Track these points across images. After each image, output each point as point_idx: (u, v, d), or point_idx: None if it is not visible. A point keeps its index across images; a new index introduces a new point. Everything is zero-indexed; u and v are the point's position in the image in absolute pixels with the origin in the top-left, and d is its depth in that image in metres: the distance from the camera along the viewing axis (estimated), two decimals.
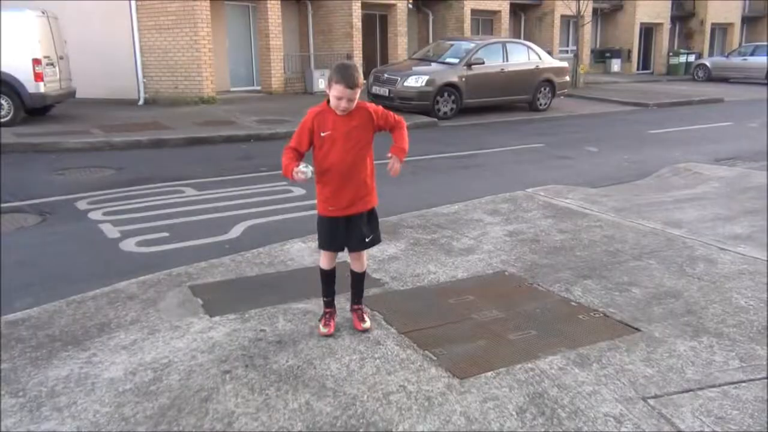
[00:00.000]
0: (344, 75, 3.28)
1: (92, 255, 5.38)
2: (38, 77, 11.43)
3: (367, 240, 3.59)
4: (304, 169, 3.29)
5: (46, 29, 11.90)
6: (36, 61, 11.39)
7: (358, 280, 3.74)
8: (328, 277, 3.70)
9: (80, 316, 3.88)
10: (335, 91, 3.31)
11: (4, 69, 11.24)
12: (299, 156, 3.45)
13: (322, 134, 3.41)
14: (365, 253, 3.71)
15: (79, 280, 4.73)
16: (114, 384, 3.11)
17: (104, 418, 2.84)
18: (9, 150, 9.85)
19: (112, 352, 3.42)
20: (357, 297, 3.78)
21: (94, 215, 6.46)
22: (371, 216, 3.61)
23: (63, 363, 3.31)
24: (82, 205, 6.85)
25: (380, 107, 3.54)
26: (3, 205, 6.82)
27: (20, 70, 11.27)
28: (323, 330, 3.65)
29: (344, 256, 3.75)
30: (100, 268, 5.05)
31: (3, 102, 11.39)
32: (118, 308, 3.98)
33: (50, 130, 11.22)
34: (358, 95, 3.37)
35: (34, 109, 12.02)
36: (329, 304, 3.73)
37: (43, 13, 11.88)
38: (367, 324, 3.70)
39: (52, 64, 11.96)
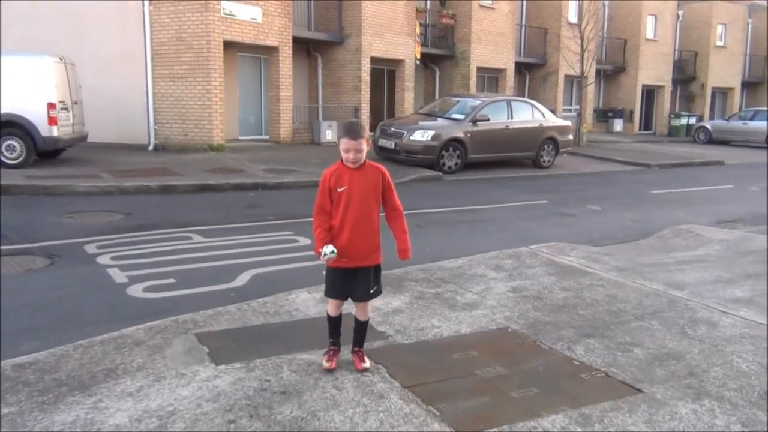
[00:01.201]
0: (348, 128, 3.63)
1: (100, 299, 5.43)
2: (52, 121, 11.65)
3: (371, 292, 3.82)
4: (330, 255, 3.59)
5: (63, 75, 12.20)
6: (51, 106, 11.63)
7: (361, 328, 3.94)
8: (334, 322, 3.92)
9: (87, 360, 3.92)
10: (342, 144, 3.62)
11: (18, 112, 11.48)
12: (328, 216, 3.71)
13: (338, 190, 3.67)
14: (369, 307, 3.92)
15: (87, 324, 4.78)
16: (119, 431, 3.13)
17: None
18: (19, 192, 10.00)
19: (118, 399, 3.45)
20: (359, 342, 3.96)
21: (103, 259, 6.53)
22: (377, 270, 3.85)
23: (69, 408, 3.34)
24: (90, 248, 6.94)
25: (389, 177, 3.78)
26: (12, 247, 6.91)
27: (35, 113, 11.51)
28: (326, 364, 3.86)
29: (349, 307, 3.83)
30: (107, 312, 5.11)
31: (16, 144, 11.59)
32: (125, 354, 4.02)
33: (61, 173, 11.40)
34: (364, 146, 3.64)
35: (45, 152, 12.24)
36: (334, 343, 3.95)
37: (60, 59, 12.21)
38: (367, 364, 3.89)
39: (66, 109, 12.22)
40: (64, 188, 10.28)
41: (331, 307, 3.89)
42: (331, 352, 3.92)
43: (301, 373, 3.81)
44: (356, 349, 3.94)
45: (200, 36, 15.32)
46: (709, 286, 5.95)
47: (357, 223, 3.66)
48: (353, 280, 3.75)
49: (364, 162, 3.70)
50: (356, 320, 3.91)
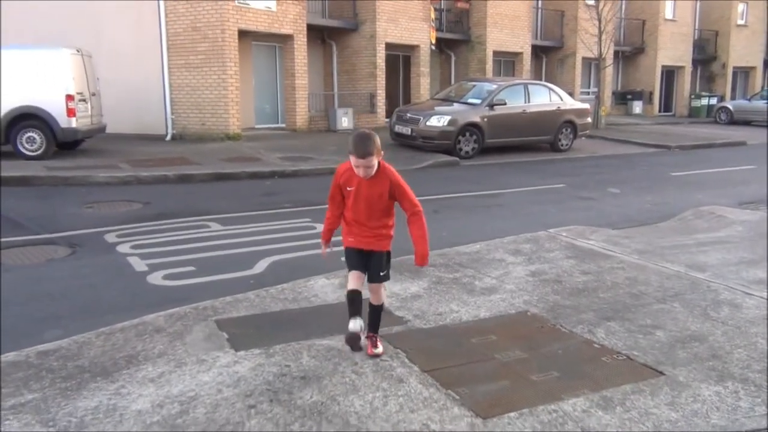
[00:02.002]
0: (356, 146, 3.61)
1: (120, 287, 5.48)
2: (71, 113, 11.76)
3: (381, 274, 3.85)
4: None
5: (80, 66, 12.30)
6: (69, 97, 11.74)
7: (375, 313, 3.94)
8: (353, 298, 3.80)
9: (109, 347, 3.96)
10: (351, 160, 3.68)
11: (37, 104, 11.61)
12: (337, 206, 3.87)
13: (348, 188, 3.77)
14: (383, 289, 3.91)
15: (108, 312, 4.82)
16: (142, 416, 3.16)
17: None
18: (40, 183, 10.12)
19: (140, 385, 3.48)
20: (373, 327, 3.96)
21: (123, 248, 6.59)
22: (388, 256, 3.91)
23: (92, 394, 3.38)
24: (110, 238, 7.00)
25: (402, 182, 3.76)
26: (34, 237, 7.00)
27: (53, 105, 11.63)
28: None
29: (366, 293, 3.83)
30: (128, 300, 5.15)
31: (36, 136, 11.73)
32: (146, 341, 4.06)
33: (80, 164, 11.52)
34: (374, 162, 3.65)
35: (65, 144, 12.36)
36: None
37: (78, 51, 12.30)
38: (379, 350, 3.90)
39: (84, 100, 12.31)
40: (84, 179, 10.38)
41: (350, 280, 3.82)
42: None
43: (321, 359, 3.82)
44: (370, 334, 3.95)
45: (215, 25, 15.34)
46: (732, 267, 5.87)
47: (363, 221, 3.78)
48: (368, 261, 3.83)
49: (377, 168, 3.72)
50: (370, 305, 3.92)
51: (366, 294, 3.83)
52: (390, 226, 3.86)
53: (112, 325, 4.30)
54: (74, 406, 3.25)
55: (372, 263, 3.83)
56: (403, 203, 3.79)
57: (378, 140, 3.65)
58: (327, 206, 3.94)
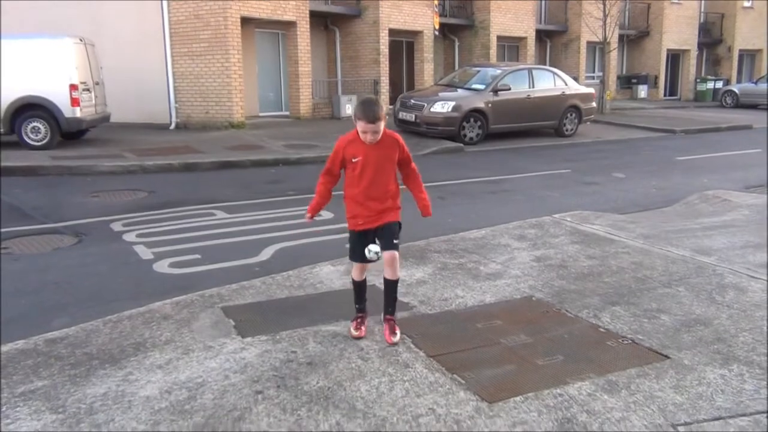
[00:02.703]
0: (365, 111, 3.59)
1: (127, 276, 5.51)
2: (75, 102, 11.76)
3: (395, 241, 3.78)
4: (374, 256, 3.71)
5: (83, 55, 12.28)
6: (73, 87, 11.73)
7: (390, 289, 3.89)
8: (359, 287, 3.97)
9: (116, 335, 3.99)
10: (359, 126, 3.64)
11: (41, 94, 11.61)
12: (333, 179, 3.87)
13: (353, 160, 3.72)
14: (397, 262, 3.82)
15: (115, 299, 4.86)
16: (150, 402, 3.19)
17: None
18: (45, 173, 10.15)
19: (148, 371, 3.51)
20: (389, 307, 3.92)
21: (128, 237, 6.62)
22: (399, 226, 3.86)
23: (101, 381, 3.41)
24: (116, 226, 7.03)
25: (405, 146, 3.83)
26: (40, 226, 7.03)
27: (57, 95, 11.63)
28: (354, 333, 3.91)
29: (373, 279, 3.84)
30: (134, 288, 5.18)
31: (40, 126, 11.75)
32: (153, 328, 4.08)
33: (85, 153, 11.54)
34: (382, 127, 3.65)
35: (69, 133, 12.38)
36: (360, 310, 4.00)
37: (80, 40, 12.27)
38: (397, 338, 3.85)
39: (88, 90, 12.31)
40: (89, 168, 10.41)
41: (355, 271, 3.93)
42: (359, 320, 3.96)
43: (327, 345, 3.84)
44: (387, 317, 3.91)
45: (217, 13, 15.29)
46: (738, 251, 5.86)
47: (371, 190, 3.73)
48: (377, 236, 3.79)
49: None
50: (384, 279, 3.86)
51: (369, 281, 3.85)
52: (397, 195, 3.83)
53: (120, 313, 4.33)
54: (83, 393, 3.28)
55: (385, 233, 3.76)
56: (404, 165, 3.85)
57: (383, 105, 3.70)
58: (320, 180, 3.85)
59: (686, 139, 16.85)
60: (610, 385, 3.39)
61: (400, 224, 3.86)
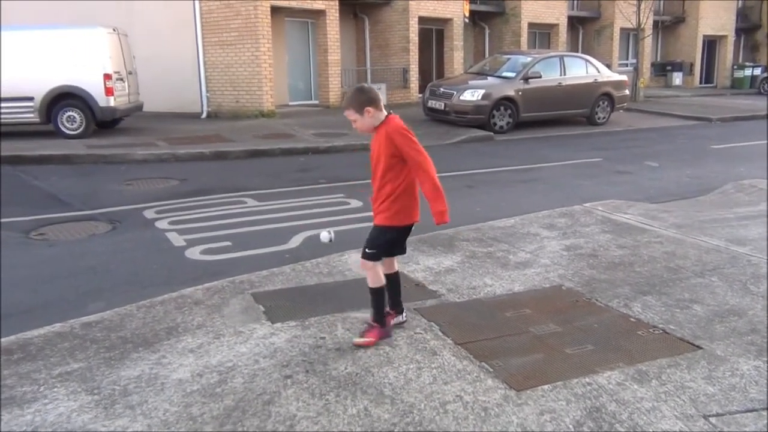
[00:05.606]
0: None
1: (160, 262, 5.61)
2: (109, 92, 11.96)
3: (366, 248, 3.68)
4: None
5: (117, 45, 12.46)
6: (107, 76, 11.92)
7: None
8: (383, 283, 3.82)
9: (150, 319, 4.07)
10: None
11: (76, 84, 11.83)
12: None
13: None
14: (364, 268, 3.75)
15: (148, 285, 4.95)
16: (182, 385, 3.26)
17: (173, 417, 2.98)
18: (80, 161, 10.35)
19: (180, 355, 3.58)
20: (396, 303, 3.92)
21: (161, 224, 6.73)
22: (379, 232, 3.67)
23: (134, 364, 3.49)
24: (149, 214, 7.15)
25: (402, 134, 3.48)
26: (76, 213, 7.19)
27: (92, 84, 11.83)
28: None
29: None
30: (167, 274, 5.28)
31: (75, 115, 11.97)
32: (185, 313, 4.16)
33: (119, 142, 11.74)
34: (352, 117, 3.56)
35: (104, 122, 12.59)
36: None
37: (114, 30, 12.45)
38: (361, 341, 3.69)
39: (121, 79, 12.50)
40: (123, 156, 10.58)
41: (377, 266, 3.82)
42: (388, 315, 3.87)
43: (355, 331, 3.86)
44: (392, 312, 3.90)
45: (247, 2, 15.36)
46: None
47: (373, 187, 3.66)
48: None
49: (381, 123, 3.56)
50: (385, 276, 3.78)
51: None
52: (390, 197, 3.53)
53: (153, 298, 4.41)
54: (117, 375, 3.36)
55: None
56: (405, 156, 3.48)
57: (369, 95, 3.54)
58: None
59: (722, 127, 16.48)
60: (640, 374, 3.35)
61: (386, 228, 3.60)
